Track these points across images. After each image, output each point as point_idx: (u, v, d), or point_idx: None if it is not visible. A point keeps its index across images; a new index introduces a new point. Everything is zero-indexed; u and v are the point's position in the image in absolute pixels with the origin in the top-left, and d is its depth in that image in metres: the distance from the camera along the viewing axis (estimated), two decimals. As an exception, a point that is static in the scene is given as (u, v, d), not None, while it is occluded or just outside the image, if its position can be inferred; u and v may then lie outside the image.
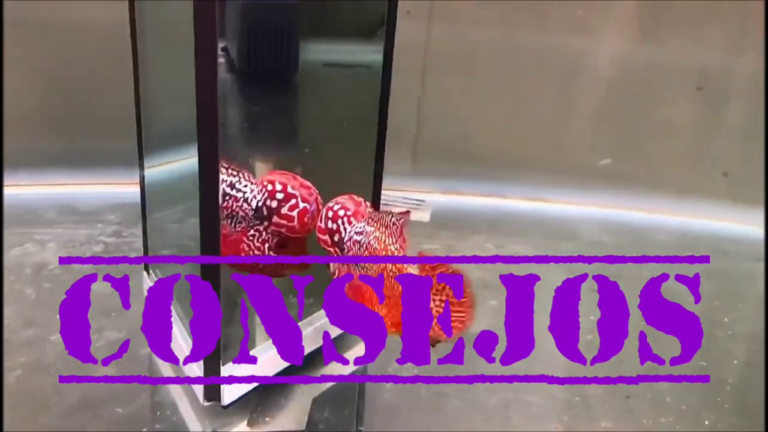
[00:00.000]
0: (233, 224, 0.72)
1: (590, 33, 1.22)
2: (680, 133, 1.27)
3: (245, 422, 0.72)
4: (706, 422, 0.75)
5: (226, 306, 0.70)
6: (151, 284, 0.84)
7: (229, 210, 0.71)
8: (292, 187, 0.71)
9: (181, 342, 0.75)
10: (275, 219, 0.71)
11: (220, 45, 1.22)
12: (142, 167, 0.84)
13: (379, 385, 0.79)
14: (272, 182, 0.71)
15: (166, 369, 0.79)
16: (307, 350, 0.79)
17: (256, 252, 0.72)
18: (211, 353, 0.69)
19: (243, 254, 0.72)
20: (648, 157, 1.27)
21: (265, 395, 0.75)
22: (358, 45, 0.88)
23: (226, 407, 0.72)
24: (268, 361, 0.74)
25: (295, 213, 0.71)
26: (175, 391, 0.76)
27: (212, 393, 0.71)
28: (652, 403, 0.78)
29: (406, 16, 1.25)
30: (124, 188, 1.13)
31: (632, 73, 1.24)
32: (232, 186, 0.72)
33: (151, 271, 0.85)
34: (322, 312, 0.81)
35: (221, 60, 1.21)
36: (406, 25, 1.25)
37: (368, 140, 0.86)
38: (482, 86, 1.28)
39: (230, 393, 0.71)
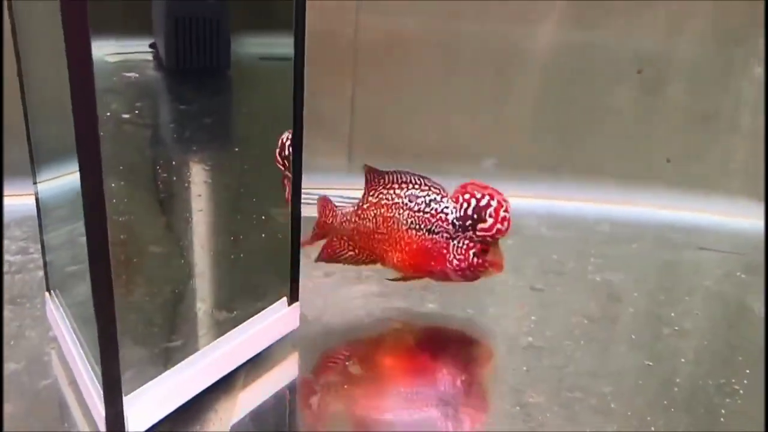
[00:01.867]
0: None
1: (527, 19, 1.18)
2: (621, 119, 1.23)
3: (155, 455, 0.65)
4: (652, 428, 0.70)
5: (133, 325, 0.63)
6: (53, 307, 0.77)
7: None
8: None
9: (82, 369, 0.68)
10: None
11: (149, 42, 1.15)
12: (35, 181, 0.76)
13: (302, 404, 0.73)
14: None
15: (71, 399, 0.72)
16: (224, 371, 0.73)
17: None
18: (111, 380, 0.62)
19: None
20: (589, 145, 1.23)
21: (178, 422, 0.68)
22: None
23: (134, 439, 0.66)
24: (180, 385, 0.68)
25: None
26: (81, 423, 0.69)
27: (115, 425, 0.64)
28: (596, 409, 0.73)
29: (336, 7, 1.20)
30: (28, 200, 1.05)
31: (571, 58, 1.20)
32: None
33: (53, 293, 0.78)
34: (241, 328, 0.75)
35: (150, 57, 1.14)
36: (335, 16, 1.20)
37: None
38: (417, 77, 1.22)
39: (137, 423, 0.65)
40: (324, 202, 0.87)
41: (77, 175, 0.60)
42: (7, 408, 0.69)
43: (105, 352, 0.61)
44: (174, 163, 1.07)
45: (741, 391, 0.77)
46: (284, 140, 0.78)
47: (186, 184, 0.99)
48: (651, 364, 0.81)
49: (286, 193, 0.81)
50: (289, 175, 0.78)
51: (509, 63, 1.21)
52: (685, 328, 0.88)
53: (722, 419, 0.72)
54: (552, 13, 1.18)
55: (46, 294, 0.79)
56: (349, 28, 1.20)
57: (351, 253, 0.85)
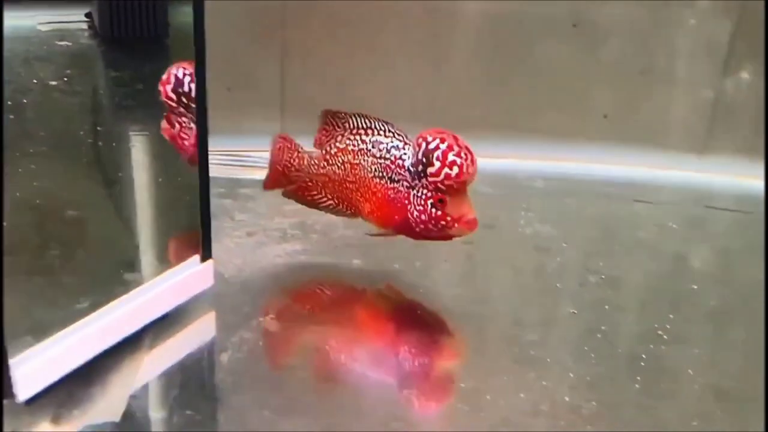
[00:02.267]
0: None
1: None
2: (557, 75, 1.21)
3: (49, 419, 0.62)
4: (571, 374, 0.68)
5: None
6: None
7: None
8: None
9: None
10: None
11: (85, 11, 1.09)
12: None
13: (214, 363, 0.70)
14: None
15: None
16: (127, 332, 0.69)
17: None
18: (-6, 342, 0.58)
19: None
20: (525, 102, 1.21)
21: (76, 386, 0.65)
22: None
23: (28, 403, 0.62)
24: (75, 347, 0.64)
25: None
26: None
27: (2, 389, 0.60)
28: (517, 358, 0.71)
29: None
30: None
31: (506, 17, 1.18)
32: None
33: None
34: (145, 287, 0.71)
35: (85, 27, 1.08)
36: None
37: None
38: (348, 38, 1.19)
39: (27, 387, 0.61)
40: (284, 142, 0.82)
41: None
42: None
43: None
44: (99, 129, 1.03)
45: (665, 337, 0.76)
46: (178, 75, 0.74)
47: (109, 149, 0.95)
48: (576, 312, 0.79)
49: (181, 138, 0.77)
50: (182, 111, 0.75)
51: (442, 22, 1.18)
52: (613, 277, 0.86)
53: (642, 363, 0.71)
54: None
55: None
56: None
57: (330, 201, 0.81)
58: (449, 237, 0.73)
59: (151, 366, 0.69)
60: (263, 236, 0.92)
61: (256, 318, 0.76)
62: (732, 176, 1.19)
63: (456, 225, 0.70)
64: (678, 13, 1.18)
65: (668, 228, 1.01)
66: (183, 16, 0.84)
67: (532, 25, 1.17)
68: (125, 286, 0.70)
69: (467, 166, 0.69)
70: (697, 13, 1.18)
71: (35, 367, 0.61)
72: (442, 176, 0.69)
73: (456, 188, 0.69)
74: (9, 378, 0.60)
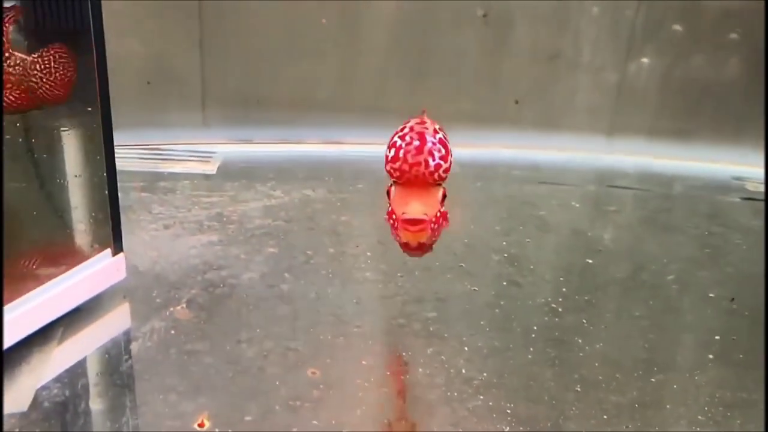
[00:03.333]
0: None
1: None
2: (468, 63, 1.25)
3: (-44, 412, 0.63)
4: (466, 348, 0.73)
5: None
6: None
7: None
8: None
9: None
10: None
11: (9, 3, 1.08)
12: None
13: (125, 353, 0.72)
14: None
15: None
16: (36, 326, 0.71)
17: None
18: None
19: None
20: (438, 90, 1.25)
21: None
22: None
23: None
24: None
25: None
26: None
27: None
28: (417, 333, 0.75)
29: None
30: None
31: (415, 5, 1.21)
32: None
33: None
34: (55, 281, 0.73)
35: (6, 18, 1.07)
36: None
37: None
38: (264, 28, 1.21)
39: (-70, 380, 0.63)
40: None
41: None
42: None
43: None
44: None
45: (559, 309, 0.80)
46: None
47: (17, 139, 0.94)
48: (476, 289, 0.83)
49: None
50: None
51: (354, 11, 1.21)
52: (514, 254, 0.91)
53: (533, 336, 0.75)
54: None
55: None
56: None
57: None
58: (404, 245, 0.60)
59: (61, 358, 0.70)
60: (180, 228, 0.94)
61: (167, 308, 0.78)
62: (636, 156, 1.25)
63: (391, 220, 0.60)
64: (582, 2, 1.23)
65: (570, 207, 1.06)
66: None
67: (442, 15, 1.21)
68: (31, 282, 0.71)
69: (407, 152, 0.58)
70: (601, 1, 1.24)
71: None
72: (387, 167, 0.60)
73: (396, 176, 0.59)
74: None
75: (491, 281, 0.85)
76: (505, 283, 0.85)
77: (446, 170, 0.59)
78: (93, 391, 0.67)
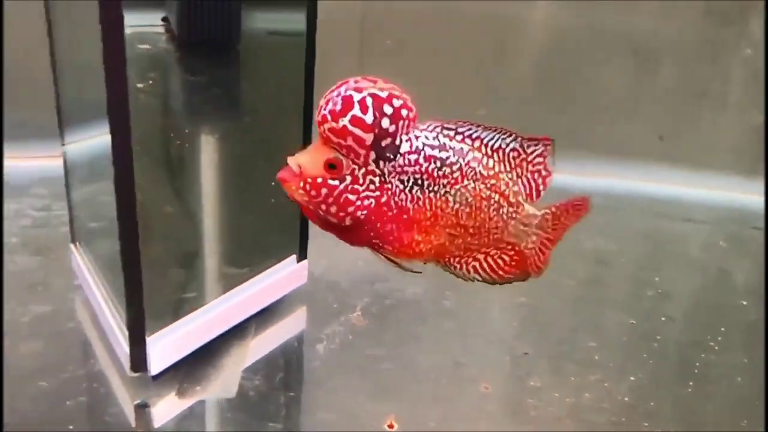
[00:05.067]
0: None
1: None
2: (615, 96, 1.28)
3: (174, 392, 0.71)
4: (631, 377, 0.76)
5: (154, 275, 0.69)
6: (78, 257, 0.83)
7: None
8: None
9: (107, 313, 0.74)
10: None
11: (162, 15, 1.19)
12: (63, 143, 0.81)
13: (310, 352, 0.79)
14: None
15: (94, 341, 0.78)
16: (237, 320, 0.79)
17: None
18: (136, 323, 0.68)
19: None
20: (582, 119, 1.28)
21: (195, 365, 0.74)
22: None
23: (154, 378, 0.72)
24: (196, 330, 0.74)
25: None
26: (104, 362, 0.75)
27: (139, 363, 0.70)
28: (580, 361, 0.79)
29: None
30: (52, 161, 1.10)
31: (567, 37, 1.25)
32: None
33: (78, 245, 0.84)
34: (257, 278, 0.80)
35: (162, 30, 1.18)
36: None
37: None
38: (419, 55, 1.27)
39: (158, 363, 0.71)
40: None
41: (103, 138, 0.65)
42: (36, 346, 0.75)
43: (130, 297, 0.67)
44: (186, 130, 1.13)
45: (716, 348, 0.83)
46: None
47: (198, 150, 1.04)
48: (634, 322, 0.86)
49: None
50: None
51: (506, 39, 1.25)
52: (667, 290, 0.94)
53: (696, 371, 0.78)
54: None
55: (71, 245, 0.84)
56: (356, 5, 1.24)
57: None
58: None
59: (256, 352, 0.78)
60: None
61: (344, 314, 0.84)
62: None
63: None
64: (734, 41, 1.24)
65: (717, 246, 1.08)
66: (256, 22, 0.93)
67: (594, 49, 1.24)
68: (233, 282, 0.79)
69: (323, 107, 0.47)
70: (752, 42, 1.24)
71: (165, 346, 0.71)
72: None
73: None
74: (145, 353, 0.69)
75: (647, 315, 0.88)
76: (663, 319, 0.88)
77: (334, 132, 0.47)
78: (288, 384, 0.74)
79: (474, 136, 0.52)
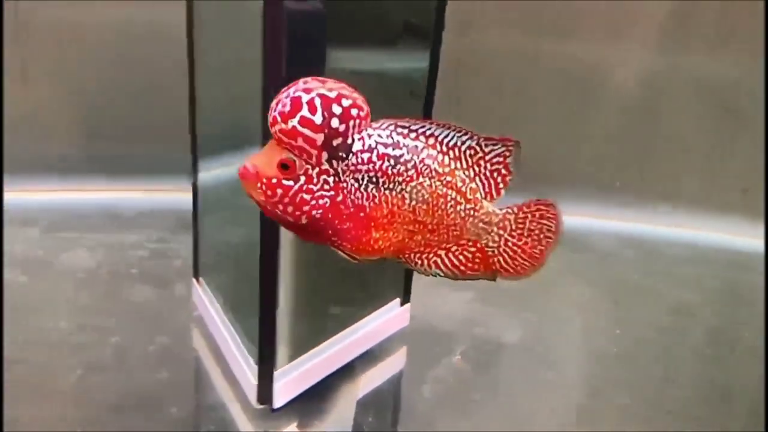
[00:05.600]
0: None
1: (613, 44, 1.25)
2: (699, 149, 1.30)
3: (295, 424, 0.76)
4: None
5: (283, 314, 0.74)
6: (201, 291, 0.89)
7: None
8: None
9: (232, 346, 0.80)
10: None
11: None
12: (195, 171, 0.86)
13: (415, 392, 0.83)
14: None
15: (214, 371, 0.83)
16: (347, 359, 0.84)
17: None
18: (267, 358, 0.73)
19: None
20: (666, 172, 1.30)
21: (311, 400, 0.79)
22: (382, 53, 0.84)
23: (274, 410, 0.77)
24: (313, 367, 0.79)
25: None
26: (225, 393, 0.80)
27: (265, 395, 0.75)
28: (673, 412, 0.82)
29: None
30: (163, 195, 1.18)
31: (653, 87, 1.27)
32: None
33: (201, 279, 0.90)
34: (365, 320, 0.85)
35: None
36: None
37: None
38: (509, 97, 1.30)
39: (281, 396, 0.76)
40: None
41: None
42: (161, 375, 0.81)
43: (264, 334, 0.72)
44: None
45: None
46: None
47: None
48: (719, 374, 0.89)
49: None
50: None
51: (593, 85, 1.28)
52: (758, 345, 0.96)
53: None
54: (638, 38, 1.25)
55: (193, 280, 0.90)
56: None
57: None
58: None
59: (365, 387, 0.83)
60: (441, 281, 1.05)
61: (445, 357, 0.89)
62: None
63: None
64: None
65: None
66: (340, 61, 0.96)
67: (678, 99, 1.27)
68: (345, 322, 0.84)
69: (274, 108, 0.49)
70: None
71: (288, 381, 0.76)
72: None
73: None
74: (271, 387, 0.75)
75: (737, 368, 0.91)
76: (746, 371, 0.90)
77: (285, 133, 0.48)
78: (398, 421, 0.78)
79: (428, 133, 0.52)
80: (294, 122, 0.48)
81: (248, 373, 0.77)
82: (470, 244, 0.56)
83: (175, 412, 0.77)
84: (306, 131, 0.48)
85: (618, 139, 1.32)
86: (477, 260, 0.56)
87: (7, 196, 1.11)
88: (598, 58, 1.26)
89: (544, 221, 0.58)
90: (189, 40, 0.82)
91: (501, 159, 0.54)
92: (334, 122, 0.48)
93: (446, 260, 0.56)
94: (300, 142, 0.48)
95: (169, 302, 0.93)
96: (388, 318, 0.88)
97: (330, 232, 0.52)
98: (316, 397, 0.80)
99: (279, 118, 0.48)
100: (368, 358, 0.87)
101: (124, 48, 1.14)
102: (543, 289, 1.06)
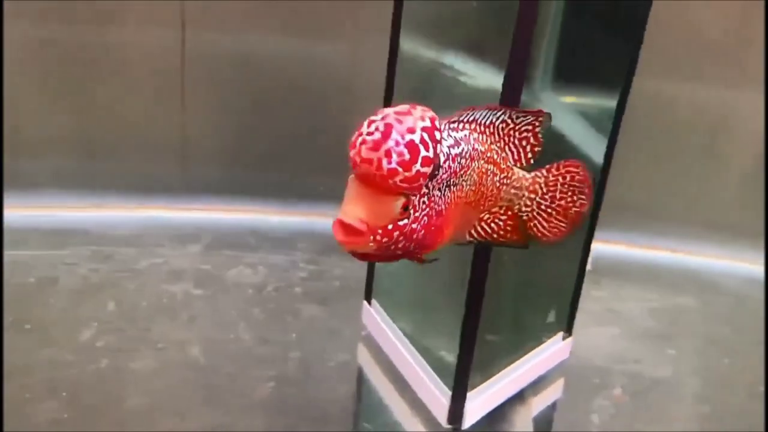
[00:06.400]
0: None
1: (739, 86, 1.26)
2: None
3: (480, 447, 0.81)
4: None
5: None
6: (374, 311, 0.93)
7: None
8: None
9: (416, 367, 0.84)
10: None
11: None
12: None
13: (584, 420, 0.87)
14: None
15: (389, 390, 0.88)
16: (522, 384, 0.87)
17: None
18: (461, 380, 0.77)
19: None
20: (700, 196, 1.28)
21: (492, 422, 0.83)
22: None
23: (463, 431, 0.81)
24: (495, 392, 0.83)
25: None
26: (405, 412, 0.85)
27: (456, 417, 0.79)
28: None
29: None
30: (306, 218, 1.22)
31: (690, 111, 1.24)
32: None
33: (373, 300, 0.94)
34: (537, 350, 0.89)
35: None
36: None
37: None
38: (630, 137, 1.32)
39: (470, 417, 0.80)
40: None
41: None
42: (345, 390, 0.86)
43: (462, 357, 0.77)
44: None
45: None
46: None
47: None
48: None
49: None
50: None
51: (723, 125, 1.30)
52: None
53: None
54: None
55: (365, 302, 0.95)
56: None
57: None
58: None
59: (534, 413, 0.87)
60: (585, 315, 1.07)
61: (604, 389, 0.92)
62: None
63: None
64: None
65: None
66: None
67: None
68: (519, 353, 0.88)
69: (363, 143, 0.46)
70: None
71: (476, 403, 0.80)
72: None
73: (351, 165, 0.47)
74: (463, 408, 0.79)
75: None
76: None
77: (408, 180, 0.46)
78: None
79: (470, 119, 0.54)
80: (417, 167, 0.46)
81: (437, 393, 0.81)
82: (502, 211, 0.57)
83: (369, 427, 0.81)
84: (425, 170, 0.46)
85: (747, 178, 1.30)
86: (509, 227, 0.57)
87: (169, 213, 1.18)
88: (723, 100, 1.27)
89: (576, 182, 0.59)
90: (394, 38, 0.78)
91: (530, 128, 0.56)
92: (438, 148, 0.47)
93: (479, 228, 0.57)
94: (421, 181, 0.46)
95: (339, 321, 0.98)
96: (554, 350, 0.92)
97: (415, 245, 0.50)
98: (495, 421, 0.84)
99: (400, 169, 0.45)
100: (537, 384, 0.91)
101: (284, 76, 1.20)
102: (680, 328, 1.08)
